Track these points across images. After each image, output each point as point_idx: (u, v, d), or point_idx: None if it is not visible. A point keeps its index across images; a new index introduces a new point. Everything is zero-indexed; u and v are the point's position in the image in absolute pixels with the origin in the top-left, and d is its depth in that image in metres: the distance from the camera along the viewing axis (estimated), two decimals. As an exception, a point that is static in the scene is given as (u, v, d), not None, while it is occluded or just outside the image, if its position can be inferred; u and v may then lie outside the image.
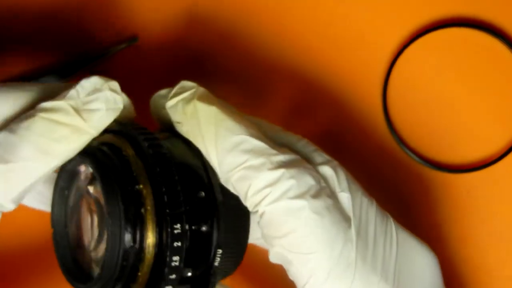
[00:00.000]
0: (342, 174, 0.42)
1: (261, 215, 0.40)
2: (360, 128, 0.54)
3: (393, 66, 0.54)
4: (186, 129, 0.41)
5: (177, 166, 0.40)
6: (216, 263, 0.40)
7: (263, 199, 0.39)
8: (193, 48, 0.55)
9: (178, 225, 0.38)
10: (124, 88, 0.55)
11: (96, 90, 0.41)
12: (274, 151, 0.40)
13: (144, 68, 0.55)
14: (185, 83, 0.42)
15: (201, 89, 0.42)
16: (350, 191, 0.42)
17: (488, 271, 0.53)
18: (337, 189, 0.42)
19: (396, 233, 0.43)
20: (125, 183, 0.39)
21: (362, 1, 0.55)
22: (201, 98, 0.41)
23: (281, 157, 0.40)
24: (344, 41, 0.55)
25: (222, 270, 0.41)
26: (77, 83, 0.40)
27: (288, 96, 0.55)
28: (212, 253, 0.40)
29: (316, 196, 0.40)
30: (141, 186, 0.39)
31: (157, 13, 0.55)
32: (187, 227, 0.39)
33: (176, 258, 0.38)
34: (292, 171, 0.40)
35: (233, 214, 0.41)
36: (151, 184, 0.39)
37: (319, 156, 0.43)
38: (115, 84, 0.41)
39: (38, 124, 0.39)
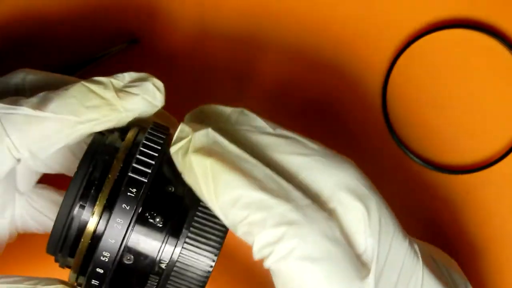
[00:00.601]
0: (375, 215, 0.40)
1: (269, 269, 0.39)
2: (360, 128, 0.54)
3: (393, 66, 0.54)
4: (187, 179, 0.40)
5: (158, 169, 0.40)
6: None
7: (267, 256, 0.38)
8: (193, 48, 0.55)
9: (120, 220, 0.39)
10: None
11: (140, 79, 0.42)
12: (276, 201, 0.38)
13: (144, 68, 0.55)
14: (184, 128, 0.40)
15: (197, 137, 0.40)
16: (380, 235, 0.39)
17: (488, 271, 0.53)
18: (363, 233, 0.39)
19: (422, 280, 0.40)
20: (100, 170, 0.40)
21: (362, 1, 0.55)
22: (197, 150, 0.39)
23: (284, 209, 0.38)
24: (344, 41, 0.55)
25: None
26: (126, 72, 0.42)
27: (288, 96, 0.54)
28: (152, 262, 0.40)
29: (323, 255, 0.38)
30: (109, 176, 0.40)
31: (157, 13, 0.55)
32: (131, 220, 0.39)
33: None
34: (296, 229, 0.38)
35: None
36: (119, 175, 0.39)
37: (350, 191, 0.41)
38: (160, 83, 0.42)
39: (76, 88, 0.41)
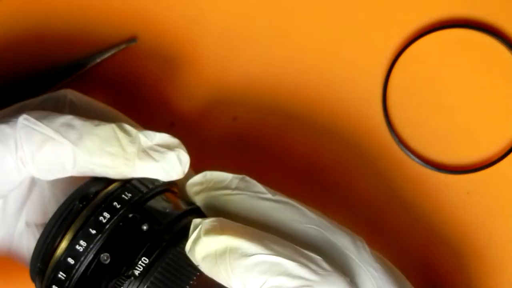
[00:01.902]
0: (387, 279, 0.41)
1: None
2: (360, 128, 0.54)
3: (393, 66, 0.54)
4: (205, 268, 0.39)
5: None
6: None
7: None
8: (192, 48, 0.55)
9: (82, 245, 0.39)
10: (124, 88, 0.55)
11: (168, 145, 0.42)
12: (294, 265, 0.38)
13: (143, 69, 0.55)
14: (195, 222, 0.40)
15: (207, 222, 0.39)
16: None
17: (488, 271, 0.53)
18: None
19: None
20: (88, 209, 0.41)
21: (362, 1, 0.55)
22: (208, 232, 0.39)
23: (303, 272, 0.38)
24: (344, 41, 0.55)
25: None
26: (161, 132, 0.42)
27: (287, 96, 0.54)
28: None
29: None
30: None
31: (157, 13, 0.55)
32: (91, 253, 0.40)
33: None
34: None
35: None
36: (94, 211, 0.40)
37: (363, 256, 0.41)
38: (186, 158, 0.42)
39: (104, 129, 0.41)
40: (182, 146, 0.42)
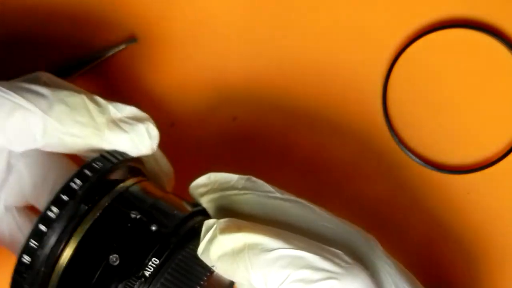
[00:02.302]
0: (388, 280, 0.41)
1: None
2: (360, 128, 0.54)
3: (393, 66, 0.54)
4: (222, 268, 0.39)
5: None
6: None
7: None
8: (192, 48, 0.55)
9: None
10: (124, 88, 0.55)
11: (138, 118, 0.42)
12: (316, 258, 0.38)
13: (143, 69, 0.55)
14: (207, 223, 0.40)
15: (222, 221, 0.39)
16: None
17: (489, 271, 0.53)
18: None
19: None
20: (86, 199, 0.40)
21: (362, 2, 0.55)
22: (224, 230, 0.39)
23: (326, 264, 0.38)
24: (344, 41, 0.55)
25: None
26: (130, 106, 0.42)
27: (287, 96, 0.54)
28: None
29: None
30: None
31: (157, 14, 0.55)
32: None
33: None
34: (341, 283, 0.38)
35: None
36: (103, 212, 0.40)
37: (377, 253, 0.41)
38: (155, 132, 0.42)
39: (74, 99, 0.41)
40: (152, 120, 0.42)
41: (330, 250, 0.39)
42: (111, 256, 0.39)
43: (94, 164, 0.41)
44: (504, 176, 0.53)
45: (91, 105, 0.41)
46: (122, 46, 0.54)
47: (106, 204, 0.40)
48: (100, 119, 0.41)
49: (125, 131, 0.41)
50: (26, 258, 0.40)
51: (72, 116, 0.41)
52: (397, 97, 0.54)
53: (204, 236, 0.39)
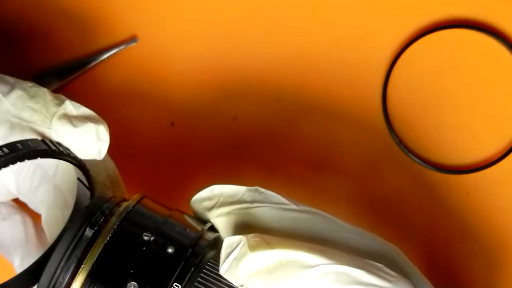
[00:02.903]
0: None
1: None
2: (360, 128, 0.54)
3: (393, 66, 0.54)
4: (254, 286, 0.37)
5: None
6: None
7: None
8: (192, 48, 0.55)
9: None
10: (124, 88, 0.55)
11: (91, 120, 0.41)
12: (361, 273, 0.37)
13: (143, 69, 0.55)
14: (230, 240, 0.37)
15: (250, 238, 0.37)
16: None
17: (489, 271, 0.53)
18: None
19: None
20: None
21: (362, 2, 0.55)
22: (255, 247, 0.37)
23: (372, 279, 0.37)
24: (344, 41, 0.55)
25: None
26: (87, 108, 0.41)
27: (287, 96, 0.54)
28: None
29: None
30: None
31: (157, 14, 0.55)
32: None
33: None
34: None
35: None
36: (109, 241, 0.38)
37: (406, 262, 0.40)
38: (104, 134, 0.41)
39: (35, 88, 0.41)
40: (105, 125, 0.41)
41: (372, 263, 0.38)
42: (128, 284, 0.37)
43: (29, 143, 0.39)
44: (504, 176, 0.53)
45: (49, 97, 0.41)
46: (122, 46, 0.54)
47: (115, 226, 0.38)
48: (53, 109, 0.40)
49: (73, 125, 0.40)
50: None
51: (27, 102, 0.40)
52: (397, 97, 0.54)
53: (228, 254, 0.37)
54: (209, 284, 0.37)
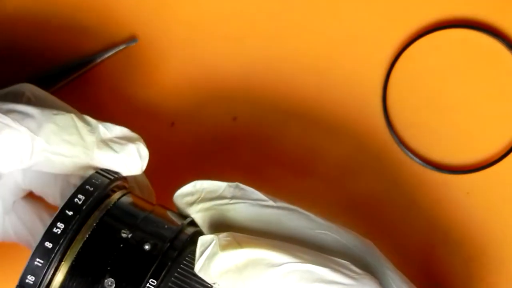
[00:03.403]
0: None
1: None
2: (360, 128, 0.54)
3: (393, 66, 0.54)
4: (224, 286, 0.38)
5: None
6: None
7: None
8: (192, 48, 0.55)
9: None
10: (124, 88, 0.55)
11: (128, 139, 0.41)
12: (324, 270, 0.37)
13: (144, 69, 0.55)
14: (204, 239, 0.38)
15: (222, 237, 0.38)
16: None
17: (488, 271, 0.53)
18: None
19: None
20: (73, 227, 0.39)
21: (362, 2, 0.55)
22: (225, 247, 0.38)
23: (336, 277, 0.37)
24: (344, 41, 0.55)
25: None
26: (120, 126, 0.41)
27: (287, 96, 0.54)
28: None
29: None
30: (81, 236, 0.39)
31: (157, 14, 0.55)
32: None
33: None
34: None
35: None
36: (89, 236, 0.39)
37: (378, 258, 0.40)
38: (145, 152, 0.41)
39: (62, 117, 0.40)
40: (142, 140, 0.41)
41: (337, 261, 0.38)
42: (106, 280, 0.38)
43: (93, 180, 0.40)
44: (504, 176, 0.53)
45: (80, 124, 0.40)
46: (122, 46, 0.54)
47: (95, 224, 0.38)
48: (90, 138, 0.40)
49: (115, 151, 0.40)
50: None
51: (60, 135, 0.40)
52: (397, 97, 0.54)
53: (202, 253, 0.38)
54: (186, 279, 0.38)
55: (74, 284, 0.38)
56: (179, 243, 0.39)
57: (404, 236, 0.53)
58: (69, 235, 0.38)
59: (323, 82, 0.54)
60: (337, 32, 0.55)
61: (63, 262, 0.38)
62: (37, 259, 0.37)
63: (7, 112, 0.40)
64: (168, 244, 0.39)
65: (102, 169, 0.41)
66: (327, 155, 0.54)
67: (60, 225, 0.38)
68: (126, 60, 0.55)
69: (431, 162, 0.54)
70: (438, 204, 0.53)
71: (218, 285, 0.38)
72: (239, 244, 0.38)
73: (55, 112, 0.41)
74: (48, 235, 0.38)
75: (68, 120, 0.40)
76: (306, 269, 0.37)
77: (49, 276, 0.38)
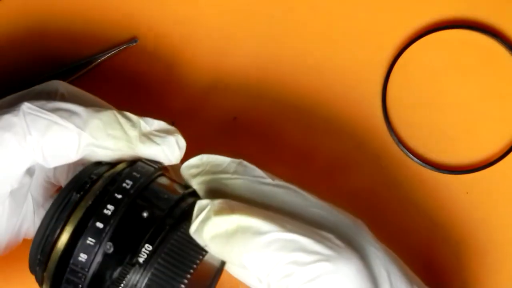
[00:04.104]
0: (377, 268, 0.41)
1: None
2: (360, 128, 0.54)
3: (393, 66, 0.54)
4: (213, 249, 0.39)
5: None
6: None
7: None
8: (192, 48, 0.55)
9: (92, 240, 0.39)
10: (124, 88, 0.55)
11: (166, 131, 0.43)
12: (309, 241, 0.39)
13: (144, 69, 0.55)
14: (201, 203, 0.40)
15: (216, 203, 0.40)
16: None
17: (488, 271, 0.53)
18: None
19: None
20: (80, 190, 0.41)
21: (362, 2, 0.55)
22: (218, 212, 0.39)
23: (319, 247, 0.39)
24: (344, 41, 0.55)
25: None
26: (157, 120, 0.43)
27: (288, 96, 0.55)
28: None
29: None
30: (83, 200, 0.41)
31: (157, 14, 0.55)
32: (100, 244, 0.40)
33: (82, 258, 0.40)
34: (333, 265, 0.38)
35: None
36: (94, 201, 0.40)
37: (366, 236, 0.41)
38: (183, 143, 0.43)
39: (106, 113, 0.42)
40: (179, 132, 0.44)
41: (322, 233, 0.39)
42: (104, 243, 0.39)
43: (139, 168, 0.42)
44: (503, 176, 0.53)
45: (122, 120, 0.43)
46: (122, 46, 0.54)
47: (98, 192, 0.40)
48: (132, 132, 0.42)
49: (157, 143, 0.43)
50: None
51: (105, 130, 0.42)
52: (397, 97, 0.54)
53: (197, 216, 0.40)
54: (182, 247, 0.40)
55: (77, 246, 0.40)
56: (178, 211, 0.41)
57: (404, 236, 0.53)
58: (66, 206, 0.41)
59: (323, 82, 0.54)
60: (337, 32, 0.55)
61: (66, 226, 0.40)
62: (89, 238, 0.39)
63: (53, 111, 0.42)
64: (166, 211, 0.40)
65: (146, 159, 0.43)
66: (327, 154, 0.54)
67: (110, 207, 0.40)
68: (126, 60, 0.55)
69: (430, 162, 0.54)
70: (437, 204, 0.54)
71: (209, 247, 0.40)
72: (231, 211, 0.39)
73: (97, 109, 0.43)
74: (99, 216, 0.40)
75: (111, 116, 0.42)
76: (289, 238, 0.38)
77: (100, 253, 0.40)
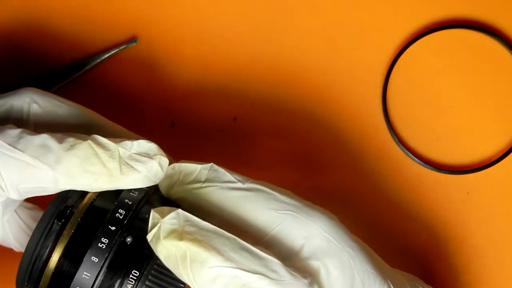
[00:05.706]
0: (347, 271, 0.41)
1: None
2: (360, 128, 0.54)
3: (393, 66, 0.54)
4: (168, 264, 0.39)
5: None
6: None
7: None
8: (192, 48, 0.55)
9: (88, 274, 0.40)
10: (124, 88, 0.55)
11: (147, 155, 0.41)
12: (253, 277, 0.39)
13: (144, 69, 0.55)
14: (154, 214, 0.39)
15: (166, 222, 0.39)
16: None
17: (488, 271, 0.53)
18: None
19: None
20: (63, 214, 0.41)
21: (362, 2, 0.55)
22: (168, 235, 0.39)
23: (263, 284, 0.39)
24: (344, 41, 0.55)
25: None
26: (136, 139, 0.41)
27: (288, 96, 0.55)
28: None
29: None
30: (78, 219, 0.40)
31: (157, 14, 0.55)
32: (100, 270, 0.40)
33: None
34: None
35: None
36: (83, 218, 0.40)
37: (319, 247, 0.41)
38: (165, 161, 0.41)
39: (82, 148, 0.40)
40: (161, 150, 0.42)
41: (270, 262, 0.39)
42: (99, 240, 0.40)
43: (131, 193, 0.41)
44: (504, 176, 0.53)
45: (99, 150, 0.40)
46: (122, 46, 0.54)
47: (79, 220, 0.40)
48: (112, 164, 0.41)
49: (138, 171, 0.41)
50: None
51: (83, 167, 0.40)
52: (397, 97, 0.54)
53: (151, 229, 0.39)
54: (162, 276, 0.40)
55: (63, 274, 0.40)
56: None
57: (404, 236, 0.53)
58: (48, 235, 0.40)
59: (323, 82, 0.54)
60: (337, 32, 0.55)
61: (52, 255, 0.40)
62: (85, 272, 0.40)
63: (25, 148, 0.40)
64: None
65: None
66: (327, 155, 0.54)
67: (105, 240, 0.40)
68: (126, 60, 0.55)
69: (431, 162, 0.54)
70: (438, 204, 0.54)
71: (163, 261, 0.39)
72: (180, 236, 0.39)
73: (72, 141, 0.41)
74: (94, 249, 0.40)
75: (88, 150, 0.40)
76: (233, 274, 0.38)
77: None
